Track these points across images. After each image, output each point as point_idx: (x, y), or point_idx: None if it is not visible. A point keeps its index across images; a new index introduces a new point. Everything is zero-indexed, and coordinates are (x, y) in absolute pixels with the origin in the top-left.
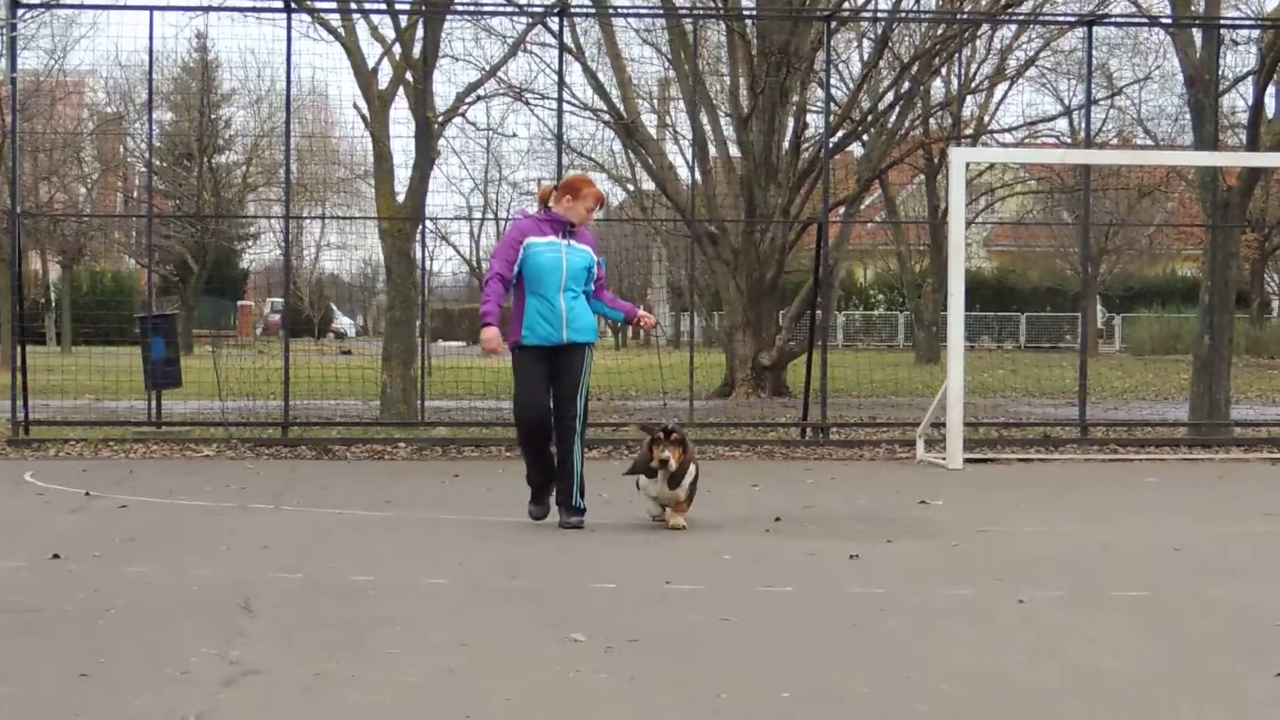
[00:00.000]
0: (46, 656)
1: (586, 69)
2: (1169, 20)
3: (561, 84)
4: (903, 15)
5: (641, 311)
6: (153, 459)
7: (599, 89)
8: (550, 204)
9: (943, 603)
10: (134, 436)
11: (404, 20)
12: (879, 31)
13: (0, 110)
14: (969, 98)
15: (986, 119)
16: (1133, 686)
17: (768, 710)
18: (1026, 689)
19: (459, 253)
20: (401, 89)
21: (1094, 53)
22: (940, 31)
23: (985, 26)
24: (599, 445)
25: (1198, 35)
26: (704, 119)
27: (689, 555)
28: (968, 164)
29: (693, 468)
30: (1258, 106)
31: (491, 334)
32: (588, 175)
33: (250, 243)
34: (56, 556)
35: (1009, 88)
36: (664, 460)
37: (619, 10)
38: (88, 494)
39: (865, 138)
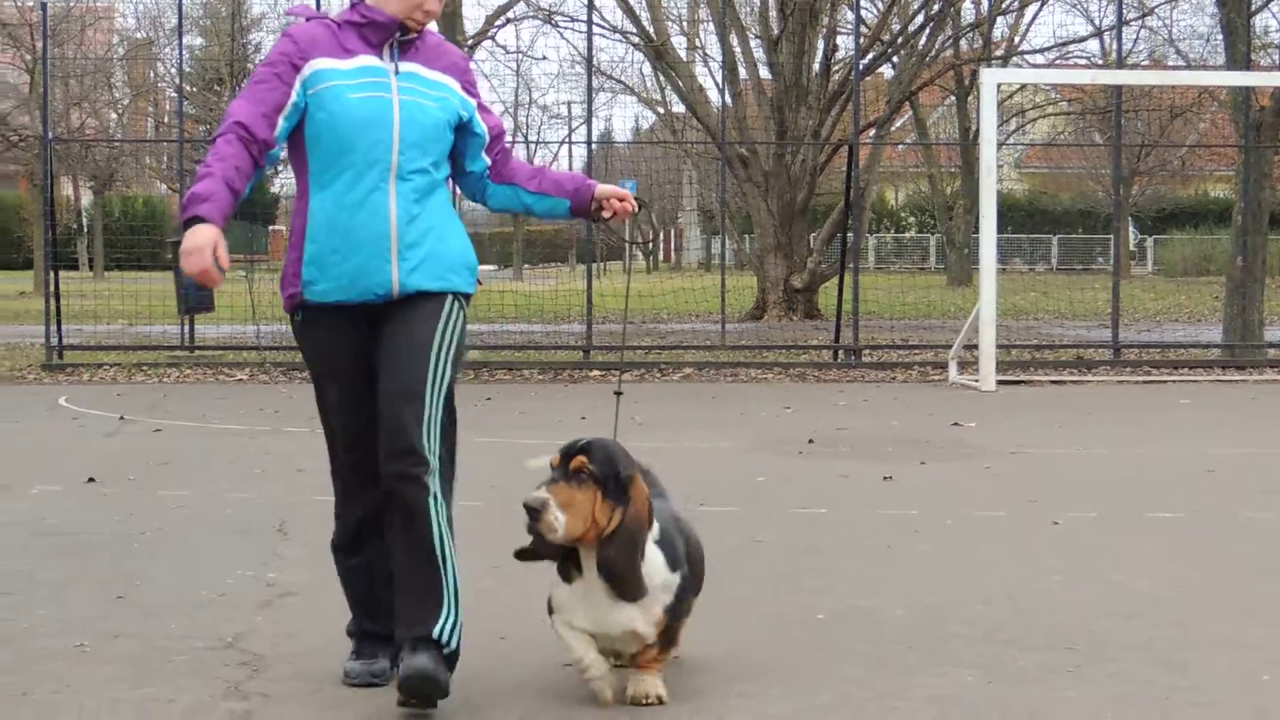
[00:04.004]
0: (83, 580)
1: None
2: None
3: (591, 6)
4: None
5: (604, 186)
6: (186, 383)
7: (628, 11)
8: None
9: (976, 524)
10: (167, 361)
11: None
12: None
13: (31, 36)
14: (999, 19)
15: (1017, 40)
16: (1168, 606)
17: (802, 631)
18: (1061, 609)
19: None
20: None
21: None
22: None
23: None
24: (630, 368)
25: None
26: (734, 41)
27: (722, 477)
28: (999, 85)
29: (652, 542)
30: None
31: (203, 237)
32: None
33: (281, 167)
34: (92, 480)
35: (1039, 8)
36: (527, 507)
37: None
38: (122, 418)
39: (895, 59)
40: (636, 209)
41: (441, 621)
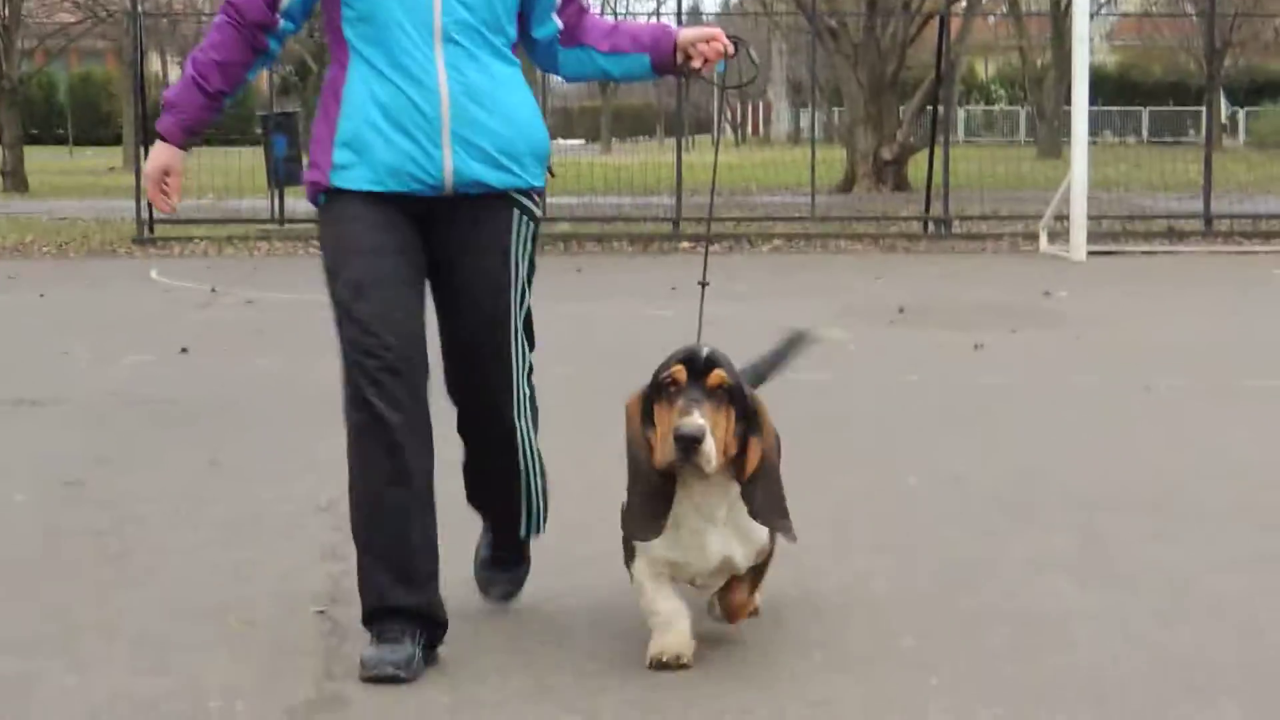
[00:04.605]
0: (178, 446)
1: None
2: None
3: None
4: None
5: (689, 31)
6: (276, 256)
7: None
8: None
9: (1068, 391)
10: (257, 234)
11: None
12: None
13: None
14: None
15: None
16: (1266, 469)
17: (894, 496)
18: (1155, 473)
19: None
20: None
21: None
22: None
23: None
24: (718, 240)
25: None
26: None
27: (812, 347)
28: None
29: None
30: None
31: (155, 161)
32: None
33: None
34: (185, 351)
35: None
36: (686, 437)
37: None
38: (213, 290)
39: None
40: (732, 50)
41: (531, 521)
